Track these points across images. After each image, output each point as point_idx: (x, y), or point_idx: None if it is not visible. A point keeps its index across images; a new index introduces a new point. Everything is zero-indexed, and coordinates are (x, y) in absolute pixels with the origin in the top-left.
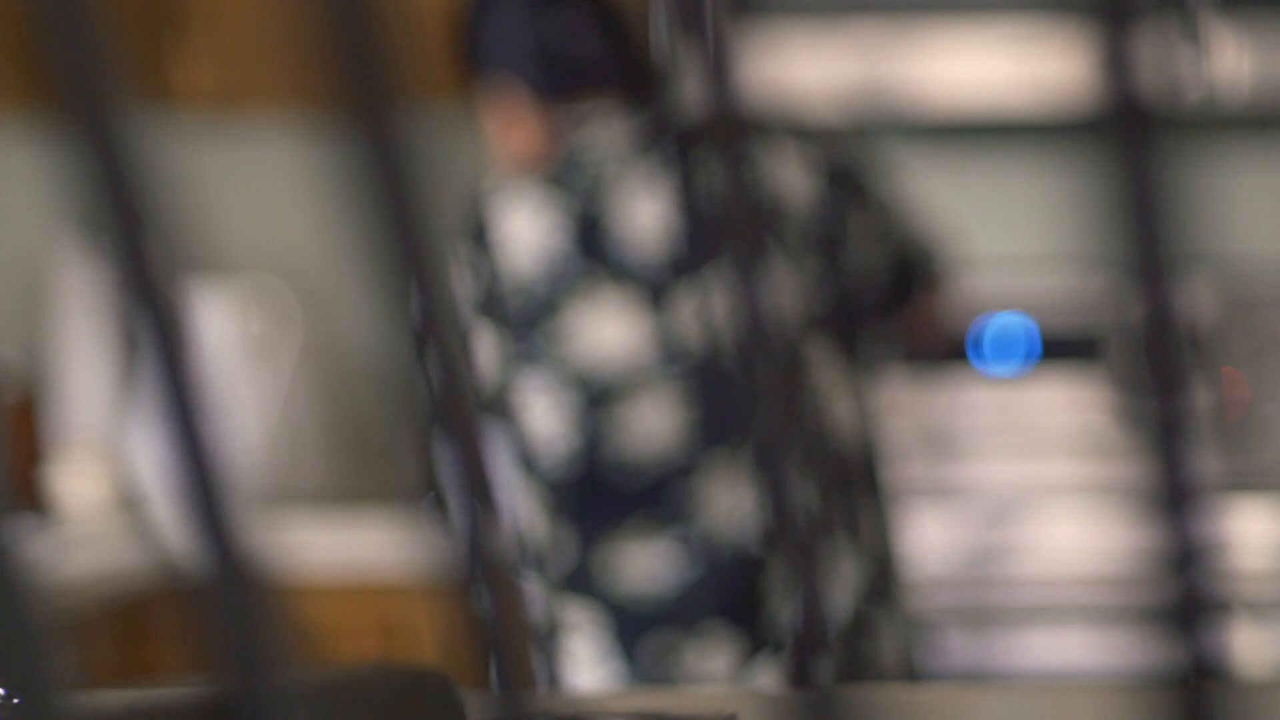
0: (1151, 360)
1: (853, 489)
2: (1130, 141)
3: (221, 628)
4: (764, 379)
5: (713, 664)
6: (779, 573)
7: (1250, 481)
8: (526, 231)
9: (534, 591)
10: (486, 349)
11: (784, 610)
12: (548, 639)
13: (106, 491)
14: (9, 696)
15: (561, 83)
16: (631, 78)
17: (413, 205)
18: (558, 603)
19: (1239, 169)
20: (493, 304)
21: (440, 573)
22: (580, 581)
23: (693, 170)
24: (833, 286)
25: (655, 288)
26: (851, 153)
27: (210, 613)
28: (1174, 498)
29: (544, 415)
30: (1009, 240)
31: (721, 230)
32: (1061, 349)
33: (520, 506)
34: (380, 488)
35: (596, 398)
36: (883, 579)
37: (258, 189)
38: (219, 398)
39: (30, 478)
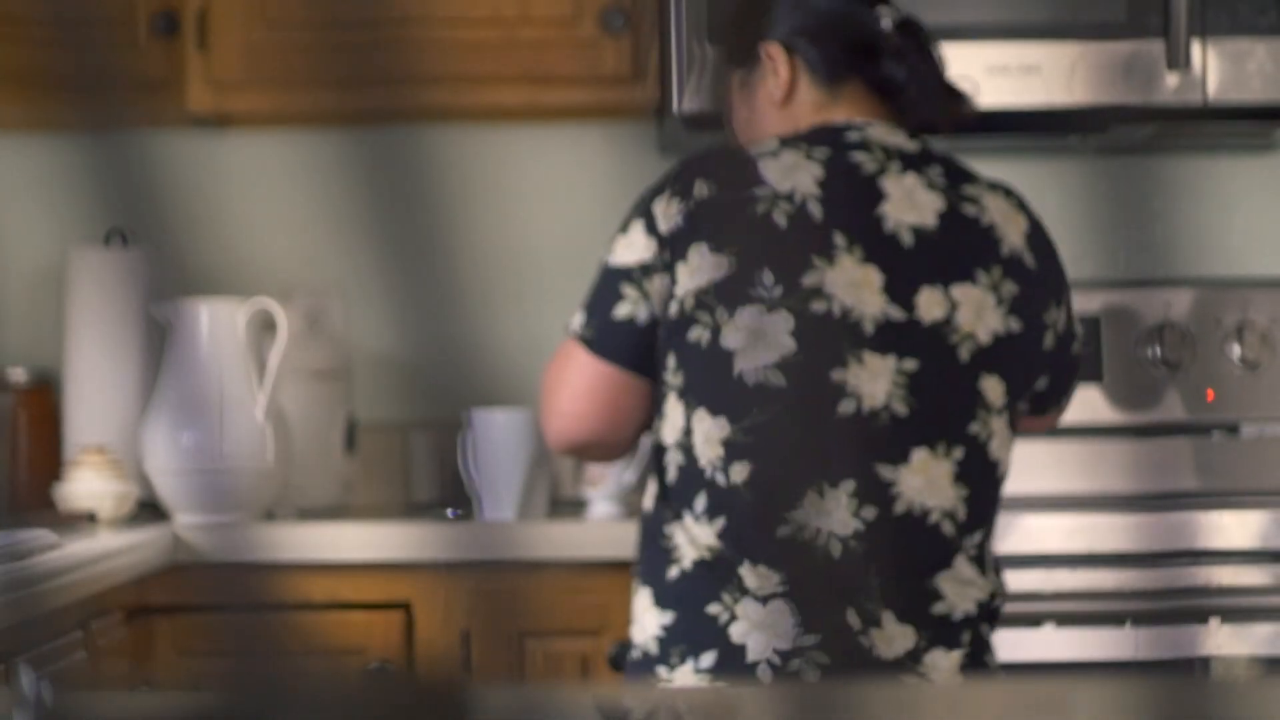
0: (1136, 372)
1: (990, 514)
2: (1109, 159)
3: (232, 631)
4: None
5: (882, 649)
6: (957, 572)
7: (1230, 498)
8: (783, 182)
9: (692, 537)
10: (702, 276)
11: (960, 607)
12: (708, 590)
13: (122, 496)
14: (37, 689)
15: (849, 64)
16: (920, 100)
17: (415, 218)
18: (726, 554)
19: (1223, 180)
20: (727, 237)
21: (452, 572)
22: (754, 537)
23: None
24: (1017, 331)
25: (898, 273)
26: (1054, 247)
27: (222, 617)
28: (1159, 507)
29: (756, 358)
30: None
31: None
32: None
33: (699, 444)
34: (387, 494)
35: (818, 357)
36: (992, 605)
37: (263, 198)
38: (228, 404)
39: (47, 482)
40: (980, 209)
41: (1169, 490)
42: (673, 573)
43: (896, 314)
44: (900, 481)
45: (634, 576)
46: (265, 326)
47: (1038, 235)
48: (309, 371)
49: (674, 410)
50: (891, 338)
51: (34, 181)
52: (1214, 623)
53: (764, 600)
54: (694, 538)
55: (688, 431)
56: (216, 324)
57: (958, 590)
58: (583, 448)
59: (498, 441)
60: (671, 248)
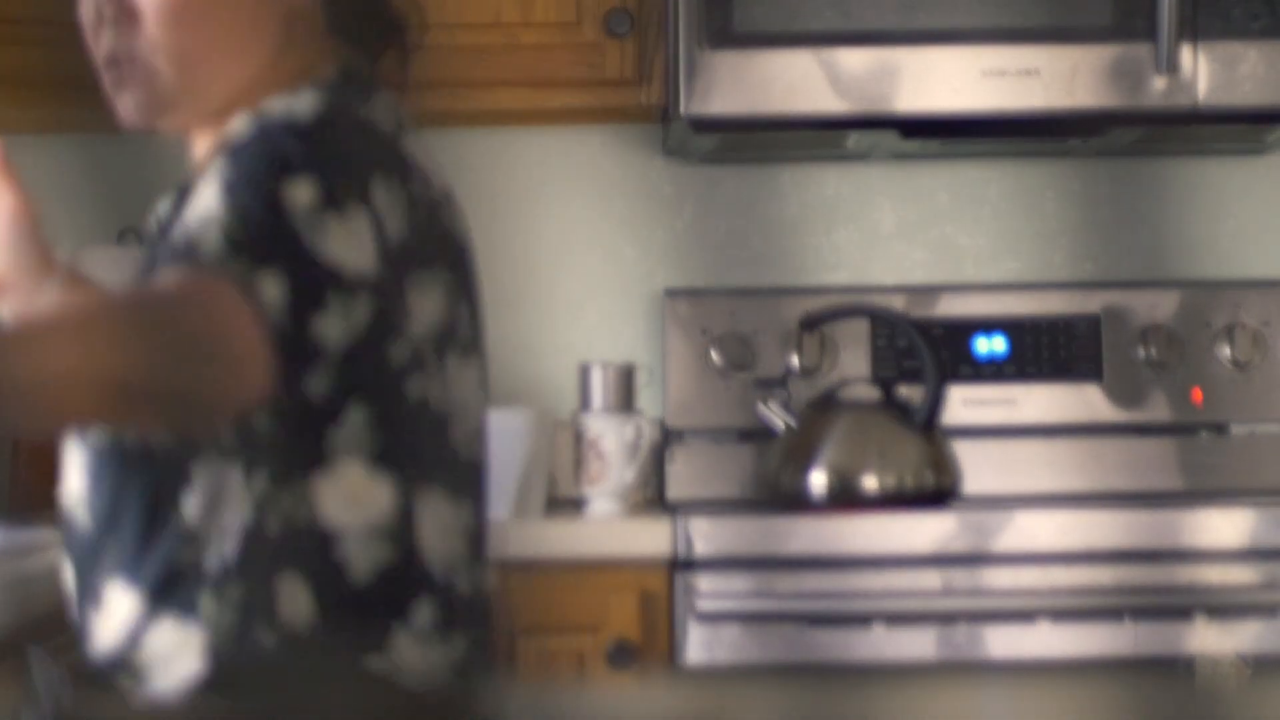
0: (1131, 372)
1: None
2: (1109, 162)
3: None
4: None
5: None
6: None
7: (1219, 497)
8: (433, 172)
9: (408, 666)
10: (431, 311)
11: None
12: None
13: None
14: (53, 688)
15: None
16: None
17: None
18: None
19: (1215, 183)
20: (440, 257)
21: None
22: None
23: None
24: None
25: None
26: None
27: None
28: (1149, 505)
29: (466, 422)
30: (1001, 257)
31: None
32: (1048, 362)
33: (428, 535)
34: None
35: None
36: None
37: None
38: None
39: (48, 482)
40: None
41: (1159, 489)
42: None
43: None
44: None
45: None
46: None
47: None
48: None
49: (362, 482)
50: None
51: (38, 183)
52: (1200, 620)
53: None
54: (411, 667)
55: (406, 514)
56: None
57: None
58: None
59: (495, 440)
60: (396, 263)
